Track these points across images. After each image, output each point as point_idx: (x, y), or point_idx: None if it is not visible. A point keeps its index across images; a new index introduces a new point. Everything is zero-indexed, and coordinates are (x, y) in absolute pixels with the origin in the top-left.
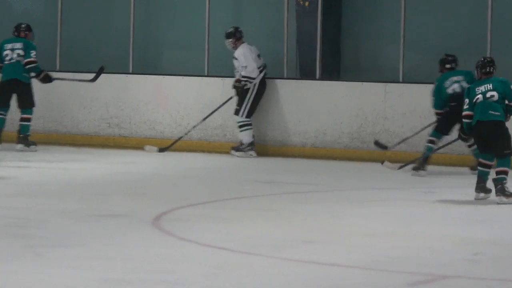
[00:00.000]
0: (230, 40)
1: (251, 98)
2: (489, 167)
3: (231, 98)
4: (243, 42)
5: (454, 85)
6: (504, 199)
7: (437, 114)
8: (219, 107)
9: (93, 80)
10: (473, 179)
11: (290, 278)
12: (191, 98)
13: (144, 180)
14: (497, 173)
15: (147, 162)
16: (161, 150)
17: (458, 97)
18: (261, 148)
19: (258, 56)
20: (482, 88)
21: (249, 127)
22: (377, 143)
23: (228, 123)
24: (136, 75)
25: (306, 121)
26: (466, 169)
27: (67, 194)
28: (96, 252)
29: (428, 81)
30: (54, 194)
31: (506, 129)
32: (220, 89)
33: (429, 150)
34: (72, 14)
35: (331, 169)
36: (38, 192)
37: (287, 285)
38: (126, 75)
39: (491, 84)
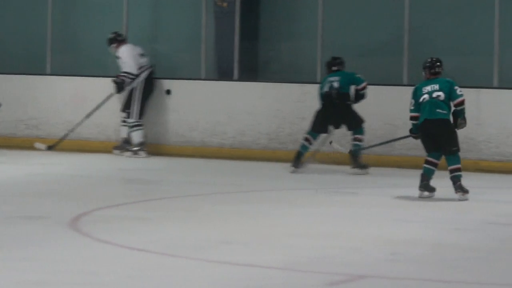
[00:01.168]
0: (113, 45)
1: (139, 98)
2: (436, 165)
3: (111, 95)
4: (125, 44)
5: (327, 86)
6: (466, 195)
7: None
8: (100, 104)
9: None
10: (395, 179)
11: (210, 279)
12: (109, 100)
13: (62, 181)
14: (452, 171)
15: (64, 163)
16: (49, 147)
17: (327, 97)
18: (180, 149)
19: (142, 55)
20: (428, 88)
21: (140, 127)
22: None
23: (146, 124)
24: (54, 76)
25: (224, 122)
26: (388, 170)
27: None
28: (14, 254)
29: None
30: None
31: (453, 126)
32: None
33: (303, 148)
34: None
35: (250, 170)
36: None
37: (207, 286)
38: (44, 76)
39: (437, 85)
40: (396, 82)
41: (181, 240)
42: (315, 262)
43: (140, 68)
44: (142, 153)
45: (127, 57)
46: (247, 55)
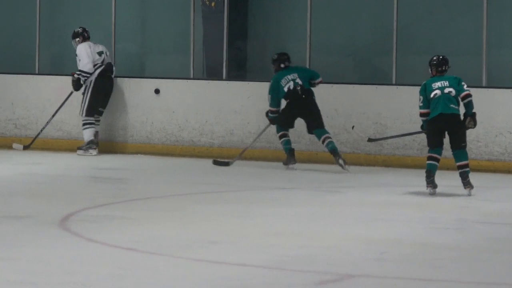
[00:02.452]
0: (77, 39)
1: (88, 96)
2: (439, 161)
3: (71, 93)
4: (86, 42)
5: (289, 83)
6: (473, 191)
7: (271, 112)
8: (63, 103)
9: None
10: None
11: (196, 278)
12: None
13: (51, 181)
14: (462, 166)
15: (53, 163)
16: (25, 147)
17: (293, 94)
18: (169, 148)
19: (101, 53)
20: (438, 84)
21: (90, 126)
22: (216, 162)
23: (134, 123)
24: (42, 75)
25: (213, 121)
26: (376, 169)
27: None
28: (0, 253)
29: (335, 81)
30: None
31: (463, 122)
32: (128, 89)
33: (286, 143)
34: None
35: (237, 169)
36: None
37: (193, 285)
38: (32, 75)
39: (447, 81)
40: (385, 82)
41: (167, 239)
42: (302, 261)
43: (94, 66)
44: (93, 151)
45: (83, 55)
46: (236, 55)
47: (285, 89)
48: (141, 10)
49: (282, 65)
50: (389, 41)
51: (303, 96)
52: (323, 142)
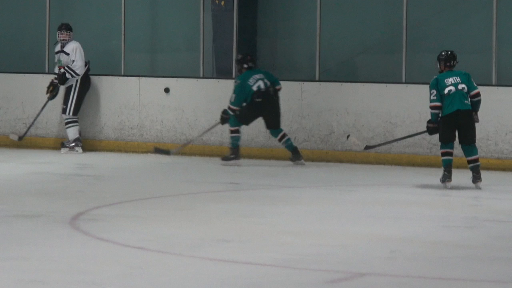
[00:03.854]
0: (68, 33)
1: (75, 95)
2: (452, 155)
3: (57, 89)
4: (74, 40)
5: (258, 82)
6: (481, 184)
7: (232, 110)
8: (46, 103)
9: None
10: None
11: (206, 277)
12: (108, 98)
13: (61, 180)
14: (473, 161)
15: (63, 162)
16: (20, 138)
17: (264, 93)
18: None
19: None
20: (451, 80)
21: (75, 124)
22: (157, 149)
23: (145, 122)
24: (52, 74)
25: None
26: (383, 167)
27: None
28: (11, 252)
29: (344, 80)
30: None
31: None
32: (138, 88)
33: (237, 140)
34: None
35: (247, 167)
36: None
37: (203, 284)
38: (42, 74)
39: (458, 77)
40: (395, 80)
41: (178, 238)
42: (313, 260)
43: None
44: (78, 149)
45: (78, 57)
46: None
47: (254, 88)
48: (151, 9)
49: (246, 66)
50: (399, 39)
51: (274, 97)
52: (280, 139)
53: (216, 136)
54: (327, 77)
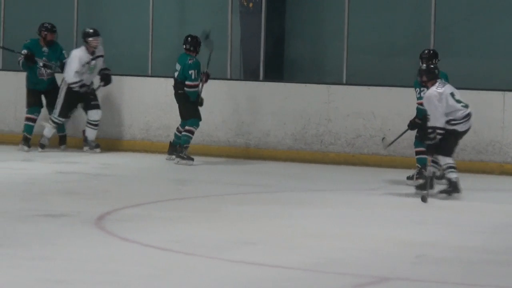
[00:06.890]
0: (101, 38)
1: (62, 98)
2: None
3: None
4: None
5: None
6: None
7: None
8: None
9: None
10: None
11: (231, 279)
12: (134, 98)
13: (87, 180)
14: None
15: (89, 162)
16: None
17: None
18: (205, 148)
19: None
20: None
21: (55, 125)
22: None
23: (172, 123)
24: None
25: (249, 122)
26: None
27: (8, 193)
28: (36, 252)
29: (371, 83)
30: None
31: None
32: (162, 88)
33: (183, 139)
34: (15, 10)
35: (274, 170)
36: None
37: (228, 286)
38: None
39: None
40: None
41: (203, 239)
42: (338, 264)
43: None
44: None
45: (74, 65)
46: (273, 56)
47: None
48: (179, 10)
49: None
50: (426, 43)
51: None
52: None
53: (242, 138)
54: (354, 80)
